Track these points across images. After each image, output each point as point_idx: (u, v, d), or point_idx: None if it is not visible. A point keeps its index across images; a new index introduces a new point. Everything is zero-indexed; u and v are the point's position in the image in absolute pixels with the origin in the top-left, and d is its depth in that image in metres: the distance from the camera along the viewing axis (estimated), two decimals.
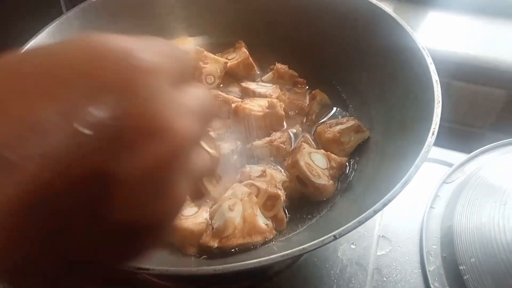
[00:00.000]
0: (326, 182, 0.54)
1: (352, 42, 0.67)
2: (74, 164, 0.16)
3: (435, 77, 0.51)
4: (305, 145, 0.58)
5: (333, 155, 0.58)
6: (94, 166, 0.16)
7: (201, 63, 0.70)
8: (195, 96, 0.20)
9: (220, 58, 0.72)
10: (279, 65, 0.72)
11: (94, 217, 0.17)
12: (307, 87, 0.71)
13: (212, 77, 0.70)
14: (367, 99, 0.65)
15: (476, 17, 0.90)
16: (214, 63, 0.70)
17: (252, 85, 0.70)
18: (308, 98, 0.69)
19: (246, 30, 0.77)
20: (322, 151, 0.58)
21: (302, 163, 0.55)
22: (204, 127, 0.21)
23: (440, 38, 0.85)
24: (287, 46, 0.75)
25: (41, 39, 0.63)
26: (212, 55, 0.71)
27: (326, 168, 0.56)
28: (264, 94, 0.67)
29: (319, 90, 0.67)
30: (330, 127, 0.61)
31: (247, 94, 0.69)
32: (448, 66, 0.81)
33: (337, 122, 0.62)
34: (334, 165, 0.57)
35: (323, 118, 0.66)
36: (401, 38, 0.58)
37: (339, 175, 0.58)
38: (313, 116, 0.65)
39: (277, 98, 0.66)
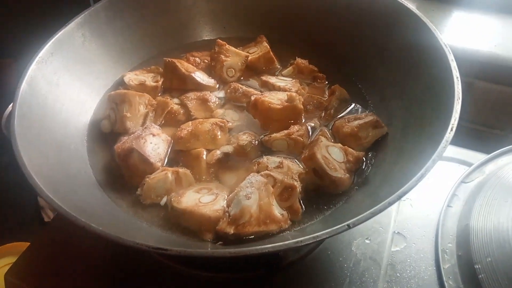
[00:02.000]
0: (342, 176, 0.55)
1: (373, 39, 0.67)
2: None
3: (456, 74, 0.51)
4: (322, 138, 0.59)
5: (350, 149, 0.58)
6: None
7: (222, 56, 0.71)
8: None
9: (242, 52, 0.73)
10: (299, 60, 0.72)
11: None
12: (327, 82, 0.71)
13: (233, 70, 0.72)
14: (386, 95, 0.65)
15: (501, 16, 0.88)
16: (235, 57, 0.72)
17: (272, 79, 0.71)
18: (327, 93, 0.69)
19: (268, 26, 0.78)
20: (340, 145, 0.59)
21: (319, 156, 0.55)
22: None
23: (463, 37, 0.84)
24: (308, 41, 0.75)
25: (70, 30, 0.66)
26: (233, 49, 0.72)
27: (342, 162, 0.57)
28: (284, 88, 0.68)
29: (338, 85, 0.68)
30: (348, 121, 0.62)
31: (267, 87, 0.70)
32: (471, 66, 0.80)
33: (356, 117, 0.62)
34: (351, 159, 0.57)
35: (341, 113, 0.66)
36: (423, 34, 0.58)
37: (356, 169, 0.58)
38: (332, 110, 0.66)
39: (296, 92, 0.67)
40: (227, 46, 0.72)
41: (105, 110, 0.66)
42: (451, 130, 0.46)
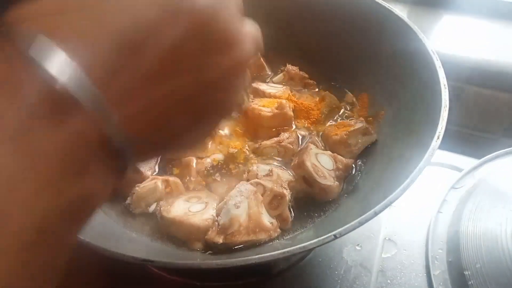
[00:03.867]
0: (332, 183, 0.55)
1: (363, 45, 0.68)
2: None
3: (443, 82, 0.51)
4: (312, 146, 0.59)
5: (339, 157, 0.58)
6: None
7: None
8: (250, 25, 0.29)
9: None
10: (289, 67, 0.72)
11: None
12: (317, 89, 0.72)
13: None
14: (376, 102, 0.65)
15: (490, 21, 0.89)
16: None
17: (262, 86, 0.71)
18: (317, 100, 0.70)
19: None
20: (329, 152, 0.59)
21: (308, 164, 0.55)
22: (256, 52, 0.29)
23: (454, 42, 0.85)
24: (298, 48, 0.75)
25: None
26: None
27: (332, 169, 0.57)
28: (274, 95, 0.68)
29: (328, 92, 0.68)
30: (338, 128, 0.62)
31: (257, 94, 0.70)
32: (461, 71, 0.81)
33: (345, 124, 0.62)
34: (341, 167, 0.57)
35: (331, 120, 0.67)
36: (411, 41, 0.59)
37: (345, 176, 0.58)
38: (322, 117, 0.66)
39: (286, 99, 0.67)
40: None
41: None
42: (438, 138, 0.46)
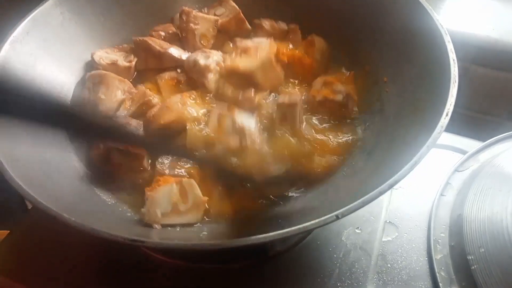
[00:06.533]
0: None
1: (366, 19, 0.64)
2: None
3: (452, 56, 0.49)
4: None
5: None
6: None
7: (192, 24, 0.67)
8: None
9: (210, 16, 0.69)
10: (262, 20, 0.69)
11: None
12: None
13: (206, 38, 0.68)
14: (380, 79, 0.62)
15: (499, 0, 0.86)
16: (204, 23, 0.67)
17: (246, 42, 0.64)
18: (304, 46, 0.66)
19: None
20: None
21: None
22: None
23: (460, 20, 0.82)
24: (296, 22, 0.72)
25: (47, 7, 0.62)
26: (201, 14, 0.68)
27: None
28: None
29: (314, 34, 0.65)
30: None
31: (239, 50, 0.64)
32: (467, 50, 0.78)
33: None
34: None
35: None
36: (418, 15, 0.55)
37: None
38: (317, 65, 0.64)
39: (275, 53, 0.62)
40: (193, 13, 0.68)
41: (82, 90, 0.62)
42: (447, 115, 0.44)
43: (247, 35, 0.70)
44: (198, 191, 0.51)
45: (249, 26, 0.71)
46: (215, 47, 0.69)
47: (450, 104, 0.44)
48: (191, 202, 0.50)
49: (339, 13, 0.68)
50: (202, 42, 0.67)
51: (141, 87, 0.63)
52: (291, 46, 0.66)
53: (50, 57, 0.62)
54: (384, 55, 0.61)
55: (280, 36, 0.69)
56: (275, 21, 0.69)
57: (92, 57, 0.66)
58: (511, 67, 0.78)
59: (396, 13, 0.60)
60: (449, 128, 0.44)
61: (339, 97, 0.59)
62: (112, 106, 0.60)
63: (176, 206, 0.49)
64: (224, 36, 0.70)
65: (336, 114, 0.60)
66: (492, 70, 0.80)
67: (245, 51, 0.63)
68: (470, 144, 0.71)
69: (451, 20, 0.81)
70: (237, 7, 0.70)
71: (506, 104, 0.83)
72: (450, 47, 0.50)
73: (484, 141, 0.69)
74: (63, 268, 0.58)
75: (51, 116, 0.41)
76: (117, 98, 0.60)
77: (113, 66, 0.65)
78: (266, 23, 0.69)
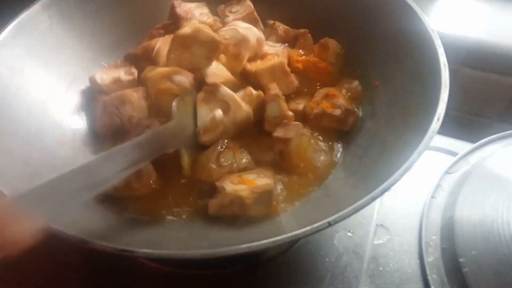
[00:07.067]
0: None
1: (357, 22, 0.64)
2: None
3: (443, 60, 0.49)
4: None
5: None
6: None
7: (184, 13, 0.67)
8: None
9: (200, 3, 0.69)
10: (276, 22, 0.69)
11: None
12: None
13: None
14: (370, 84, 0.62)
15: (488, 2, 0.86)
16: (196, 8, 0.67)
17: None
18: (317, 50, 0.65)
19: None
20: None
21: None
22: None
23: (450, 22, 0.82)
24: (290, 24, 0.71)
25: (34, 11, 0.61)
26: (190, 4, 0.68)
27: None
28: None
29: (327, 38, 0.64)
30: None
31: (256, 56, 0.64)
32: (458, 52, 0.78)
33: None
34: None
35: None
36: (409, 19, 0.56)
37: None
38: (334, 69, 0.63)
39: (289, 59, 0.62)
40: (182, 3, 0.68)
41: (101, 117, 0.60)
42: (438, 120, 0.44)
43: None
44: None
45: (262, 26, 0.69)
46: None
47: (442, 109, 0.44)
48: None
49: (329, 17, 0.68)
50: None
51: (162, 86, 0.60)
52: (301, 51, 0.66)
53: (37, 61, 0.61)
54: (375, 58, 0.61)
55: (292, 42, 0.68)
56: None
57: (93, 80, 0.63)
58: (501, 69, 0.79)
59: (386, 17, 0.60)
60: (440, 130, 0.44)
61: (337, 112, 0.58)
62: (144, 115, 0.58)
63: None
64: None
65: (329, 132, 0.59)
66: (482, 72, 0.80)
67: (262, 57, 0.63)
68: (460, 145, 0.71)
69: (441, 22, 0.81)
70: (251, 5, 0.68)
71: (496, 106, 0.84)
72: (440, 51, 0.50)
73: (474, 142, 0.69)
74: (48, 274, 0.57)
75: None
76: (143, 106, 0.59)
77: (117, 84, 0.63)
78: (280, 27, 0.68)
